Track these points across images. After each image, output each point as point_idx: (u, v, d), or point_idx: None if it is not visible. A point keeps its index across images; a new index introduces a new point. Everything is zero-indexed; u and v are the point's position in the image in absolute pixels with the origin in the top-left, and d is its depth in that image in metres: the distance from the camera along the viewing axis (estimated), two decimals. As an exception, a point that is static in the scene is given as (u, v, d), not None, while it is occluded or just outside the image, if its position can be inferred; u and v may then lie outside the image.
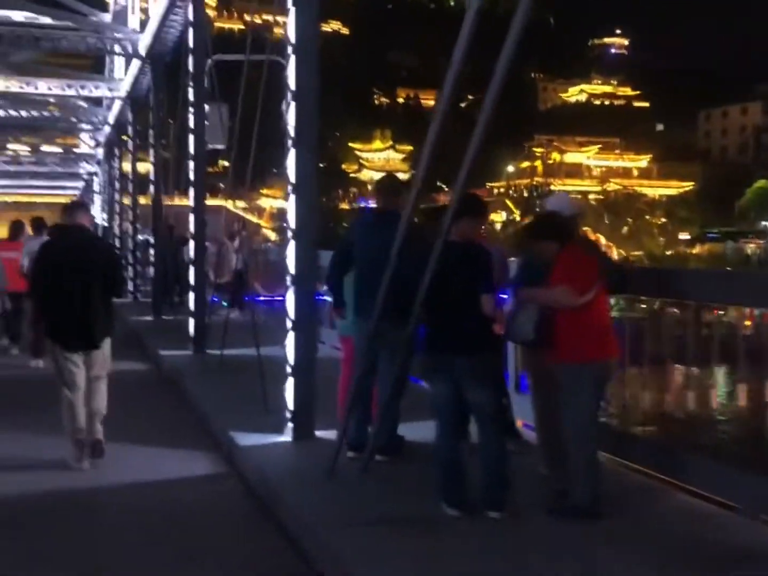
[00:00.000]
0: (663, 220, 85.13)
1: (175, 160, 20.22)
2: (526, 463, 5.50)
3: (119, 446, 6.75)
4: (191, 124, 11.74)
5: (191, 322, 11.69)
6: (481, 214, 5.13)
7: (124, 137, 22.29)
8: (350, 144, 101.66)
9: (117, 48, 16.54)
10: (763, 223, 79.40)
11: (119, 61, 22.12)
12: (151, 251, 18.56)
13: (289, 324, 6.70)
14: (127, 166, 23.22)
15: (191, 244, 12.09)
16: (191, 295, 12.01)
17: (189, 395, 8.96)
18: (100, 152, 32.55)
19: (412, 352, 5.26)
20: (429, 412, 5.11)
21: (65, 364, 6.50)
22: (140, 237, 21.80)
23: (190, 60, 11.38)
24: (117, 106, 22.26)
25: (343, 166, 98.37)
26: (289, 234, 6.68)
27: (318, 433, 6.64)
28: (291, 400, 6.66)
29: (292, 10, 6.55)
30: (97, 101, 24.96)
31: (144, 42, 15.65)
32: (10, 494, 5.76)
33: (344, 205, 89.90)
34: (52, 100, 22.68)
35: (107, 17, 18.48)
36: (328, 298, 6.88)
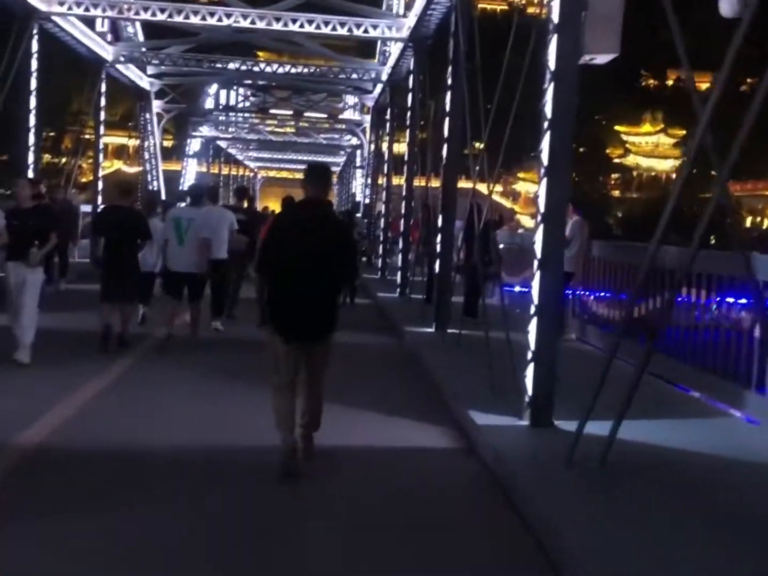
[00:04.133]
0: None
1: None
2: None
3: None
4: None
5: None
6: None
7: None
8: (616, 127, 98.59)
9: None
10: None
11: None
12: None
13: (532, 309, 6.84)
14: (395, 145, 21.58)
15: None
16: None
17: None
18: (366, 119, 30.27)
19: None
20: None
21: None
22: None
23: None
24: (396, 51, 19.38)
25: (607, 151, 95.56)
26: (539, 218, 6.80)
27: (557, 423, 6.72)
28: (530, 386, 6.79)
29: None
30: (368, 53, 22.94)
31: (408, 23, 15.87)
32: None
33: (615, 193, 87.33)
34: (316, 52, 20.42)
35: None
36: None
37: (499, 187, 77.81)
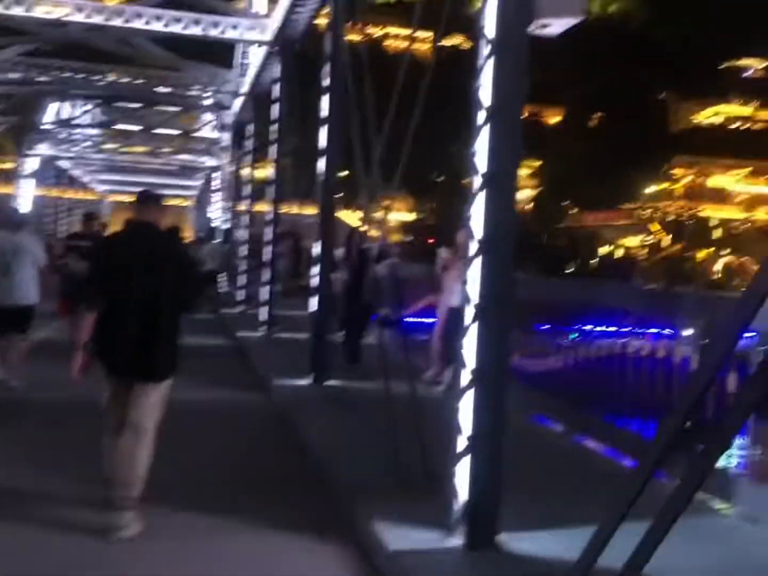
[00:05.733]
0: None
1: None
2: None
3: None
4: (325, 110, 10.19)
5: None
6: None
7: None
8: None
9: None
10: None
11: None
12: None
13: (466, 375, 4.77)
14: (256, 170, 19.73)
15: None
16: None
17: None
18: (225, 138, 27.32)
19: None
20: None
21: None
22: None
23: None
24: (259, 58, 16.78)
25: (465, 181, 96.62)
26: (474, 246, 4.76)
27: (504, 538, 4.67)
28: (465, 487, 4.71)
29: None
30: (224, 59, 19.98)
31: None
32: None
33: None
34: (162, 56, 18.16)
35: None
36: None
37: (361, 214, 76.75)
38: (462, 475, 4.73)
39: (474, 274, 4.76)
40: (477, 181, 4.75)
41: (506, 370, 4.83)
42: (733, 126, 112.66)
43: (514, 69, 4.69)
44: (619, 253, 78.01)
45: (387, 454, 5.81)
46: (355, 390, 8.49)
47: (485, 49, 4.75)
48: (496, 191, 4.68)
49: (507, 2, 4.68)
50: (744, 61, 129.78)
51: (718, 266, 75.86)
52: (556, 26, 4.91)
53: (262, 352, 12.50)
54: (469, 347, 4.76)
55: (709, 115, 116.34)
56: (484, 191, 4.69)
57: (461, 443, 4.76)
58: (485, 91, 4.74)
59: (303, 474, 6.44)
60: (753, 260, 74.91)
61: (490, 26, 4.74)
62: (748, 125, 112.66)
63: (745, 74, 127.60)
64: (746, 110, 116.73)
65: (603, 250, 75.83)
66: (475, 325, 4.70)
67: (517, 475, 4.90)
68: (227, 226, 26.69)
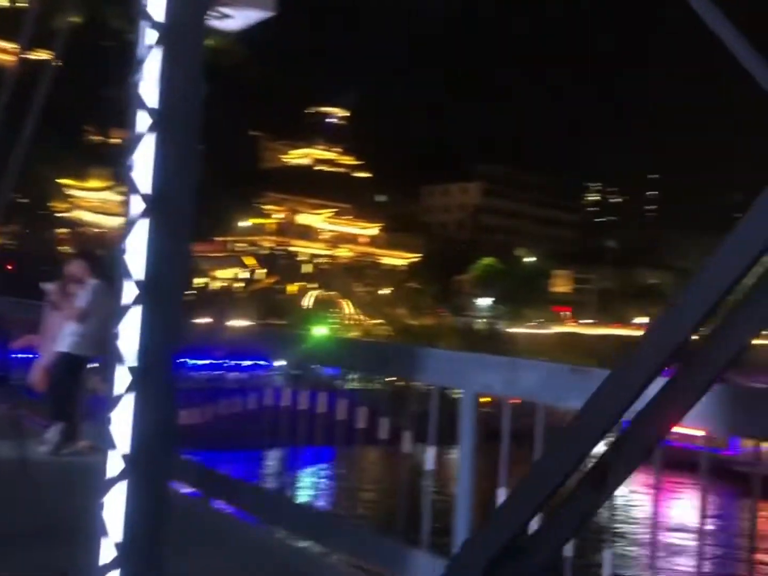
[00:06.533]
0: (393, 289, 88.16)
1: None
2: None
3: None
4: None
5: None
6: None
7: None
8: (58, 180, 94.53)
9: None
10: (481, 299, 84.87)
11: None
12: None
13: (116, 458, 3.60)
14: None
15: None
16: None
17: None
18: None
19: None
20: None
21: None
22: None
23: None
24: None
25: (51, 204, 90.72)
26: (131, 288, 3.63)
27: None
28: (113, 610, 3.52)
29: None
30: None
31: None
32: None
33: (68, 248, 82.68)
34: None
35: None
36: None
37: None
38: (109, 590, 3.55)
39: (129, 325, 3.63)
40: (137, 204, 3.63)
41: (170, 452, 3.75)
42: (319, 168, 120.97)
43: (190, 62, 3.69)
44: (215, 285, 78.61)
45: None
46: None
47: (149, 36, 3.69)
48: (165, 217, 3.61)
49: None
50: (328, 108, 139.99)
51: (308, 299, 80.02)
52: (238, 19, 3.99)
53: None
54: (121, 422, 3.61)
55: (298, 156, 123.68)
56: (149, 221, 3.59)
57: (108, 551, 3.57)
58: (150, 90, 3.67)
59: None
60: (339, 294, 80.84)
61: (157, 6, 3.69)
62: (332, 169, 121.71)
63: (328, 120, 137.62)
64: (330, 155, 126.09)
65: (198, 281, 75.81)
66: (133, 394, 3.56)
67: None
68: None
